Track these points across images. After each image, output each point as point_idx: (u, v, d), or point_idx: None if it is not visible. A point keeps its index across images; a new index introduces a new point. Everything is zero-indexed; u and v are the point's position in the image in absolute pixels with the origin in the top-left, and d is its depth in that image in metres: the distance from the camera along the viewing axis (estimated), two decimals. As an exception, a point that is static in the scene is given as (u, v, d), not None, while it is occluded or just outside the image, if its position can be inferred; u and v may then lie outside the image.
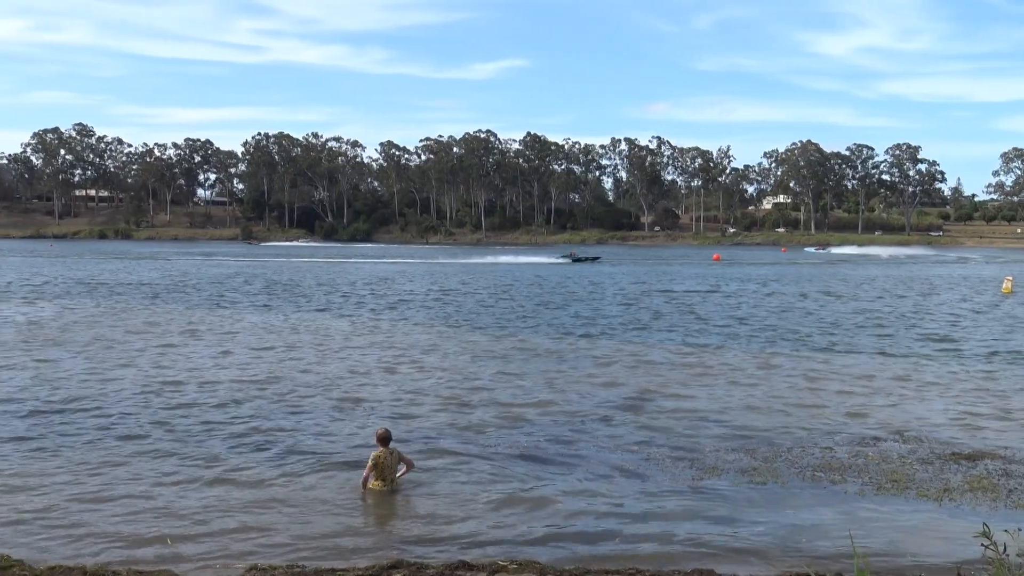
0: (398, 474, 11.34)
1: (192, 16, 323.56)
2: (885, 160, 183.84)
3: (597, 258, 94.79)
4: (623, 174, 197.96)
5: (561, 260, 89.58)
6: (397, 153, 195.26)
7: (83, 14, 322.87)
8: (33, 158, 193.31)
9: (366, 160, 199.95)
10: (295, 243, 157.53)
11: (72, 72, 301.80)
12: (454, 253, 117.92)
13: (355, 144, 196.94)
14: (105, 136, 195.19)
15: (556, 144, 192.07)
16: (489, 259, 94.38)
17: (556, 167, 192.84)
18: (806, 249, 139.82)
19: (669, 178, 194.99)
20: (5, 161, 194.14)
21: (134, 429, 14.52)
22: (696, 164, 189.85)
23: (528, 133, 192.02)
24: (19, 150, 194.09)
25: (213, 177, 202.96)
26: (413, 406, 16.65)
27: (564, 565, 8.74)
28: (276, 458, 12.81)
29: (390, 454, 11.29)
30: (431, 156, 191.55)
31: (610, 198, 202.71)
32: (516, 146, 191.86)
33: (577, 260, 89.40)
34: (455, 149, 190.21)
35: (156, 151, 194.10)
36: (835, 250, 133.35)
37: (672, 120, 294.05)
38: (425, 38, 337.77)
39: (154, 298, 41.82)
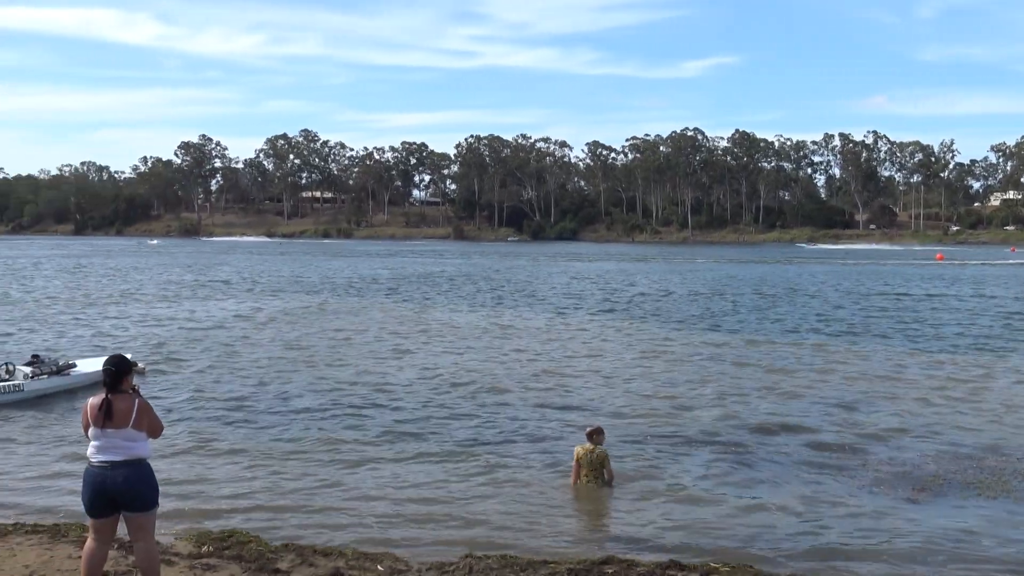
0: (603, 475, 11.51)
1: (411, 25, 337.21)
2: None
3: None
4: (836, 171, 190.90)
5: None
6: (604, 153, 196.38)
7: (313, 27, 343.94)
8: (266, 163, 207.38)
9: (573, 160, 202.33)
10: (508, 240, 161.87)
11: (302, 82, 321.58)
12: (682, 253, 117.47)
13: (563, 144, 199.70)
14: (329, 141, 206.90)
15: (765, 141, 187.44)
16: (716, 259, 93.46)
17: (765, 164, 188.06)
18: None
19: (886, 174, 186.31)
20: (241, 166, 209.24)
21: (360, 417, 15.59)
22: (916, 159, 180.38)
23: (736, 130, 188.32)
24: (253, 155, 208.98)
25: (427, 178, 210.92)
26: (629, 405, 16.93)
27: (780, 571, 8.68)
28: (491, 451, 13.36)
29: (592, 452, 11.48)
30: (637, 155, 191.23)
31: (822, 195, 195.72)
32: (724, 144, 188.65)
33: None
34: (662, 148, 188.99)
35: (375, 154, 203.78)
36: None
37: (890, 114, 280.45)
38: (634, 38, 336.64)
39: (391, 293, 44.71)
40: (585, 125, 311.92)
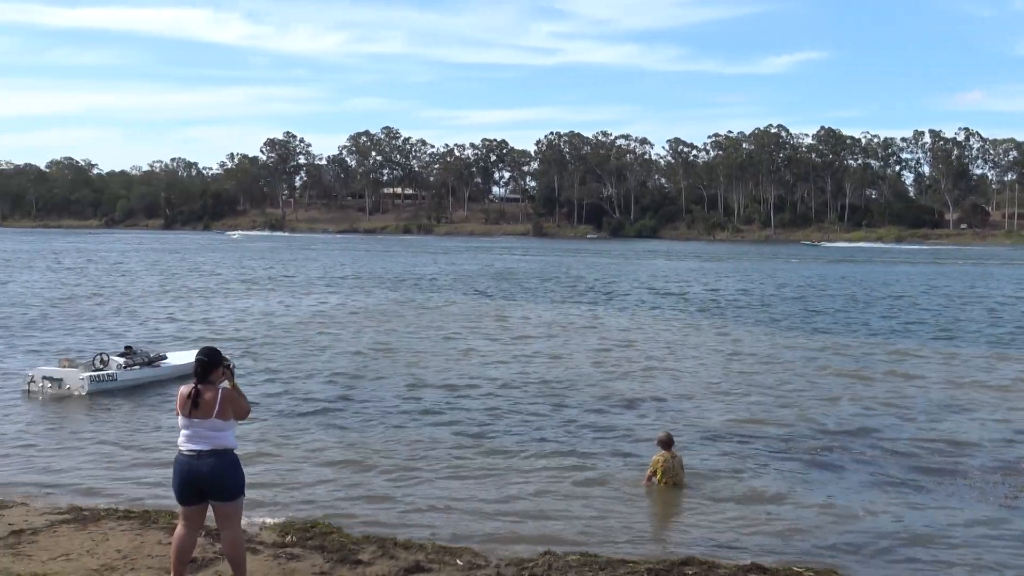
0: (680, 480, 11.44)
1: (493, 23, 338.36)
2: None
3: None
4: (926, 168, 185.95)
5: None
6: (685, 150, 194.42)
7: (397, 25, 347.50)
8: (348, 159, 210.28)
9: (653, 157, 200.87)
10: (587, 237, 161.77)
11: (386, 80, 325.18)
12: (772, 253, 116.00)
13: (643, 141, 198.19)
14: (410, 138, 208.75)
15: (852, 138, 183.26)
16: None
17: (851, 162, 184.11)
18: None
19: (978, 172, 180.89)
20: (325, 162, 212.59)
21: (441, 414, 15.78)
22: (1010, 157, 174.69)
23: (822, 127, 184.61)
24: (336, 152, 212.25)
25: (507, 175, 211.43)
26: (709, 405, 16.84)
27: (864, 576, 8.53)
28: (571, 450, 13.42)
29: (672, 458, 11.46)
30: (719, 152, 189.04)
31: (911, 194, 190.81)
32: (808, 140, 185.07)
33: None
34: (744, 145, 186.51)
35: (456, 151, 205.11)
36: None
37: (984, 110, 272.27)
38: (717, 33, 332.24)
39: (474, 290, 45.03)
40: (666, 122, 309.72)
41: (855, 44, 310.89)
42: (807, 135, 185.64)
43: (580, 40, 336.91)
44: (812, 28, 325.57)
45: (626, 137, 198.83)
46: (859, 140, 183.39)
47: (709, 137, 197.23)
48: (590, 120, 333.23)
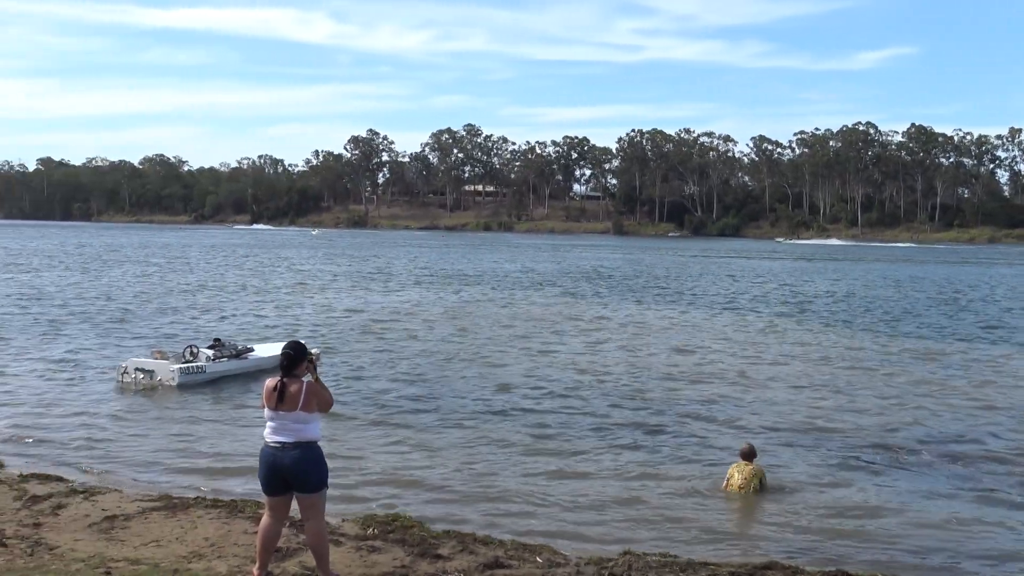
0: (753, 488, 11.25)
1: (575, 20, 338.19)
2: None
3: None
4: (1023, 167, 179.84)
5: None
6: (769, 147, 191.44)
7: (480, 23, 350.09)
8: (430, 156, 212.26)
9: (737, 155, 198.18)
10: (669, 235, 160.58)
11: (468, 77, 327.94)
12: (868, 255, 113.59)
13: (726, 139, 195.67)
14: (492, 135, 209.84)
15: (944, 135, 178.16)
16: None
17: (943, 160, 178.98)
18: None
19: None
20: (407, 160, 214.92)
21: (521, 412, 15.87)
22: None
23: (912, 124, 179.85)
24: (419, 149, 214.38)
25: (588, 173, 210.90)
26: (792, 409, 16.58)
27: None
28: (651, 450, 13.37)
29: (752, 469, 11.31)
30: (805, 150, 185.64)
31: (1005, 193, 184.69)
32: (898, 138, 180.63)
33: None
34: (831, 142, 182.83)
35: (537, 148, 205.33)
36: None
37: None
38: (805, 29, 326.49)
39: (556, 287, 45.08)
40: (750, 119, 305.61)
41: (947, 39, 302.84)
42: (896, 132, 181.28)
43: (663, 37, 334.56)
44: (904, 23, 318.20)
45: (709, 134, 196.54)
46: (951, 138, 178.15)
47: (795, 134, 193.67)
48: (672, 117, 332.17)
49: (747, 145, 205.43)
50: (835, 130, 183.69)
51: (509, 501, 10.84)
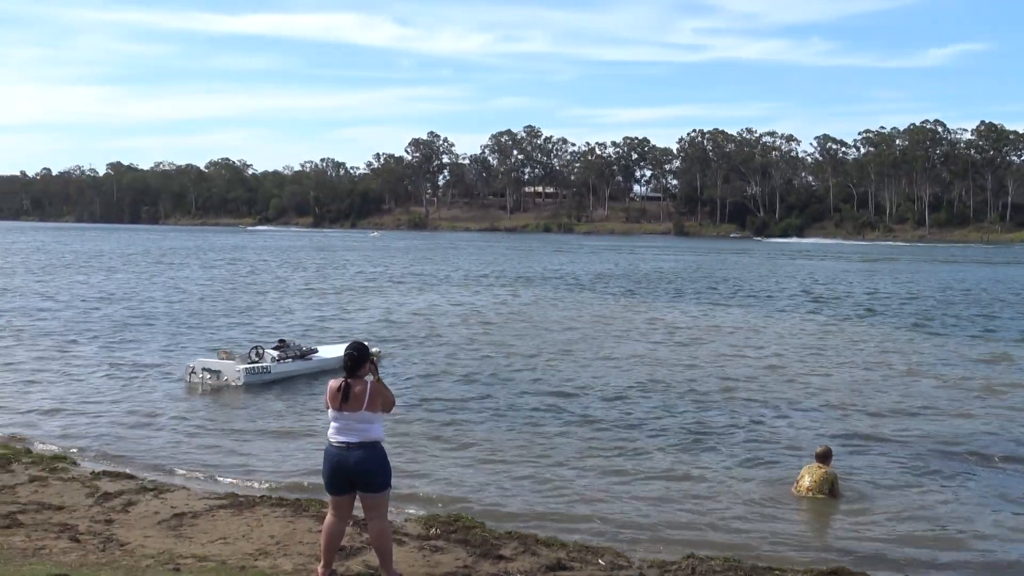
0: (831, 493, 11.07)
1: (637, 20, 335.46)
2: None
3: None
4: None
5: None
6: (834, 147, 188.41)
7: (541, 24, 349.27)
8: (490, 158, 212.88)
9: (800, 155, 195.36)
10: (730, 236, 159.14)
11: (529, 79, 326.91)
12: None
13: (789, 138, 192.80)
14: (551, 136, 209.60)
15: (1015, 133, 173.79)
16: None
17: (1014, 158, 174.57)
18: None
19: None
20: (467, 161, 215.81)
21: (584, 414, 15.82)
22: None
23: (981, 122, 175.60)
24: (479, 151, 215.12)
25: (648, 173, 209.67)
26: (863, 414, 16.29)
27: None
28: (715, 455, 13.26)
29: (825, 472, 11.12)
30: (871, 149, 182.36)
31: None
32: (967, 136, 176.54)
33: None
34: (897, 141, 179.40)
35: (597, 150, 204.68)
36: None
37: None
38: (872, 26, 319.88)
39: (620, 290, 44.95)
40: (814, 119, 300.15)
41: (1018, 34, 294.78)
42: (965, 130, 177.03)
43: (726, 36, 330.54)
44: (975, 18, 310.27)
45: (772, 134, 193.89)
46: (1023, 135, 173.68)
47: (860, 133, 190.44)
48: (734, 117, 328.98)
49: (811, 144, 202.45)
50: (901, 128, 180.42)
51: (572, 502, 10.82)
